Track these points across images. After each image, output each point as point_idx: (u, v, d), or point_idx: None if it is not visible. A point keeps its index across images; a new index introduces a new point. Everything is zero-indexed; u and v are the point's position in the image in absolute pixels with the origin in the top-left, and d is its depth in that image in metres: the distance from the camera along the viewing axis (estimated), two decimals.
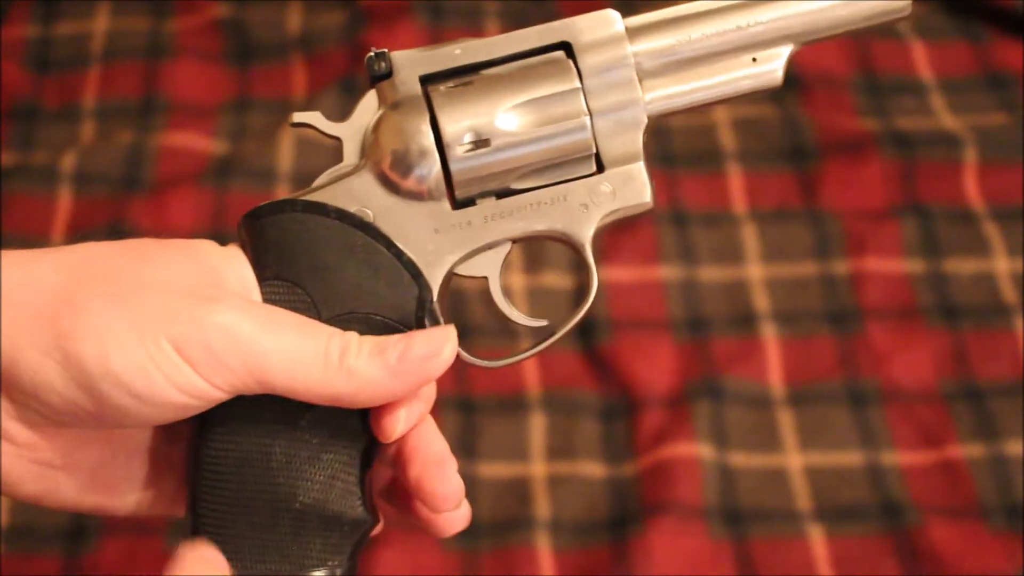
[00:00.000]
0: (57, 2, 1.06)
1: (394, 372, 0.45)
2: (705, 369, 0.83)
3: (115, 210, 0.91)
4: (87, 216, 0.91)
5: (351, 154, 0.50)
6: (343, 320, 0.47)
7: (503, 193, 0.50)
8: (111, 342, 0.43)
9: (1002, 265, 0.88)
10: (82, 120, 0.98)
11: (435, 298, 0.49)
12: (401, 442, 0.48)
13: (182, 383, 0.43)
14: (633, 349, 0.84)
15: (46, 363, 0.43)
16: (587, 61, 0.50)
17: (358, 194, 0.49)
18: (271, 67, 1.02)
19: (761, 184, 0.93)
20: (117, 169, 0.94)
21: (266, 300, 0.47)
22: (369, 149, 0.49)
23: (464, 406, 0.81)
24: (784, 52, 0.52)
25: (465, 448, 0.79)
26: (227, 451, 0.47)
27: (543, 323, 0.52)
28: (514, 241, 0.50)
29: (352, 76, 0.99)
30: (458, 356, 0.50)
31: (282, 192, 0.91)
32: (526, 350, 0.52)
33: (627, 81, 0.50)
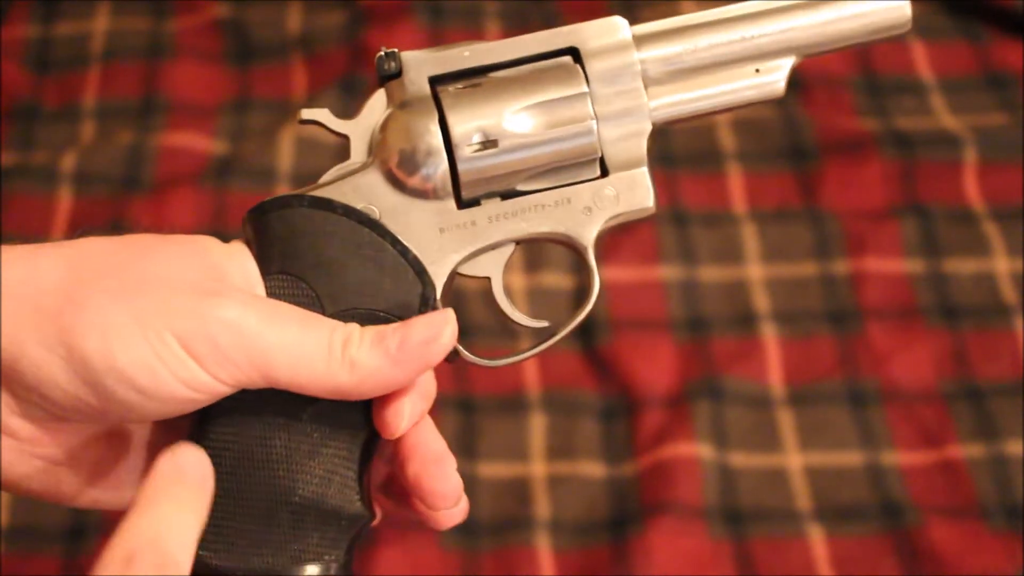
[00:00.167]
0: (57, 2, 1.06)
1: (395, 360, 0.46)
2: (705, 369, 0.83)
3: (115, 210, 0.91)
4: (87, 216, 0.91)
5: (358, 152, 0.50)
6: (347, 316, 0.47)
7: (508, 194, 0.50)
8: (115, 338, 0.43)
9: (1002, 265, 0.88)
10: (82, 120, 0.98)
11: (438, 296, 0.49)
12: (400, 440, 0.48)
13: (187, 378, 0.44)
14: (633, 349, 0.84)
15: (50, 359, 0.43)
16: (594, 67, 0.50)
17: (365, 191, 0.49)
18: (271, 67, 1.02)
19: (761, 184, 0.93)
20: (117, 169, 0.94)
21: (271, 294, 0.47)
22: (377, 147, 0.50)
23: (464, 406, 0.81)
24: (786, 64, 0.53)
25: (465, 448, 0.79)
26: (227, 444, 0.47)
27: (544, 324, 0.52)
28: (517, 242, 0.51)
29: (352, 76, 0.98)
30: (460, 357, 0.50)
31: (282, 192, 0.91)
32: (526, 350, 0.52)
33: (633, 88, 0.51)
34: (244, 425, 0.47)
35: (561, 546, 0.76)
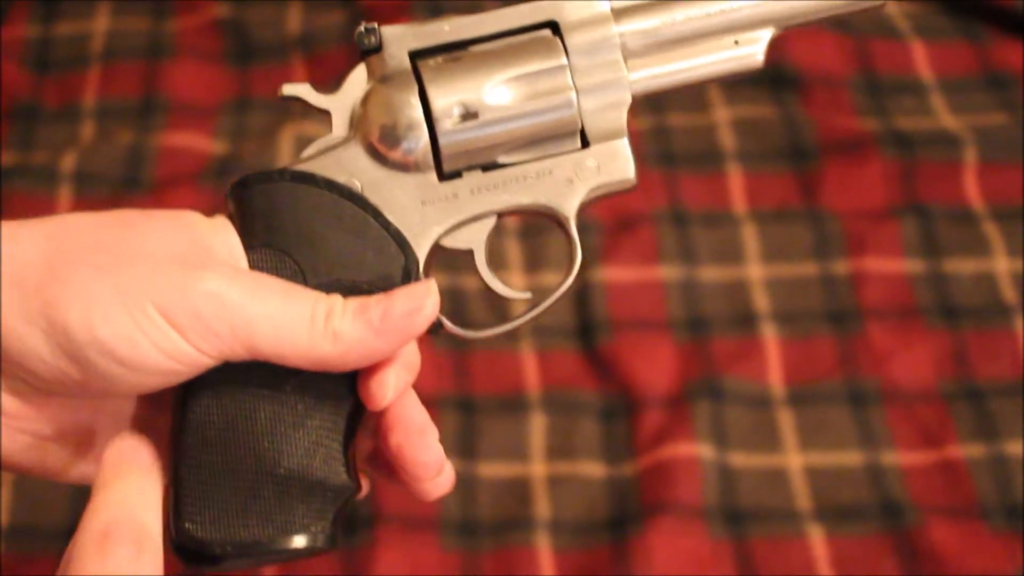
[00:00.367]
0: (57, 2, 1.06)
1: (378, 331, 0.46)
2: (705, 369, 0.83)
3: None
4: None
5: (340, 126, 0.51)
6: (330, 288, 0.47)
7: (489, 167, 0.51)
8: (96, 309, 0.43)
9: (1002, 265, 0.88)
10: (82, 120, 0.98)
11: (421, 268, 0.49)
12: (383, 411, 0.48)
13: (170, 349, 0.44)
14: (633, 349, 0.84)
15: (32, 332, 0.43)
16: (574, 40, 0.51)
17: (347, 165, 0.50)
18: (271, 67, 1.02)
19: (761, 184, 0.93)
20: (117, 169, 0.94)
21: (254, 268, 0.48)
22: (358, 121, 0.50)
23: (464, 406, 0.81)
24: (765, 36, 0.53)
25: (465, 448, 0.79)
26: (212, 416, 0.47)
27: (527, 296, 0.53)
28: (500, 215, 0.51)
29: None
30: (443, 329, 0.50)
31: None
32: (513, 320, 0.52)
33: (612, 60, 0.51)
34: (228, 397, 0.47)
35: (561, 546, 0.76)
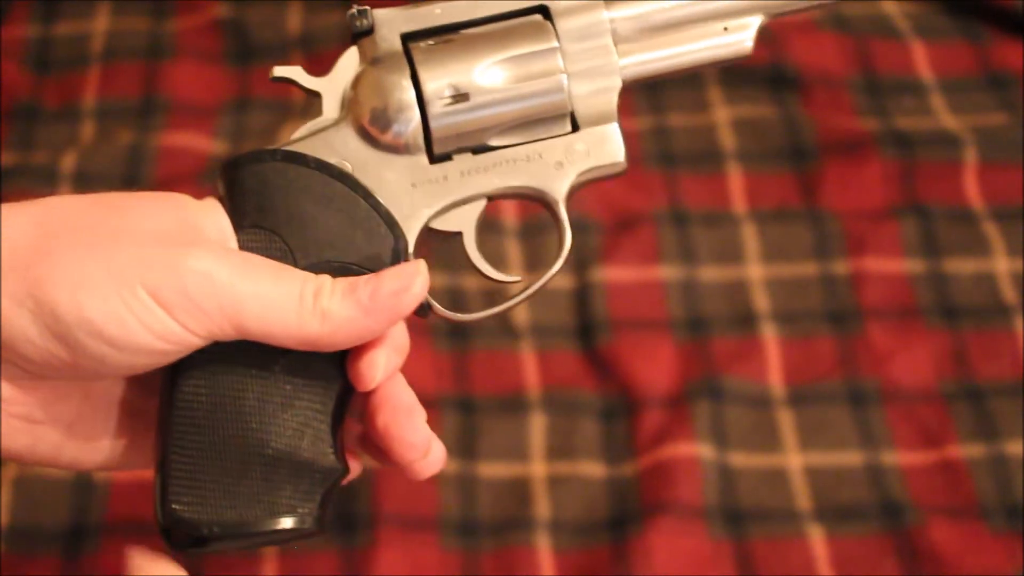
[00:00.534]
0: (57, 2, 1.06)
1: (367, 310, 0.46)
2: (705, 369, 0.83)
3: None
4: None
5: (331, 108, 0.51)
6: (319, 268, 0.48)
7: (480, 149, 0.51)
8: (84, 289, 0.43)
9: (1002, 265, 0.88)
10: (82, 120, 0.98)
11: (411, 250, 0.49)
12: (371, 392, 0.48)
13: (158, 329, 0.44)
14: (633, 349, 0.84)
15: (20, 313, 0.43)
16: (564, 25, 0.51)
17: (337, 146, 0.50)
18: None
19: (761, 184, 0.93)
20: (117, 169, 0.94)
21: (243, 248, 0.48)
22: (349, 103, 0.50)
23: (464, 406, 0.81)
24: (754, 23, 0.53)
25: (465, 448, 0.79)
26: (200, 396, 0.47)
27: (516, 279, 0.54)
28: (490, 198, 0.51)
29: None
30: (432, 311, 0.50)
31: None
32: (503, 303, 0.53)
33: (603, 45, 0.52)
34: (216, 377, 0.47)
35: (561, 546, 0.76)
